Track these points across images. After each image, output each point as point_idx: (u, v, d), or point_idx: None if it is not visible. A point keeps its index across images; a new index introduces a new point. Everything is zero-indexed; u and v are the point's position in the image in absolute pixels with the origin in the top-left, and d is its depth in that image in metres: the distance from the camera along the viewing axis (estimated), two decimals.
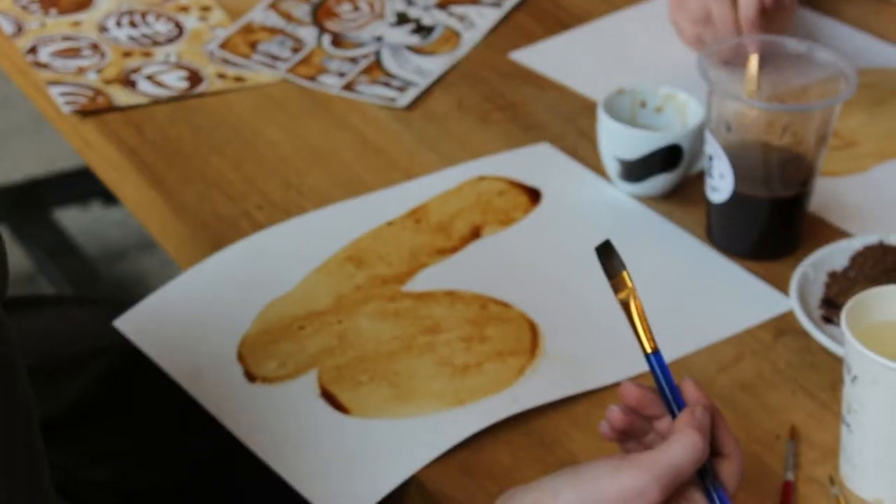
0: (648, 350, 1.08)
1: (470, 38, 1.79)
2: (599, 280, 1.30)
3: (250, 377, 1.30)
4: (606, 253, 1.13)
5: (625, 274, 1.13)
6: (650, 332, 1.09)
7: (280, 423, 1.27)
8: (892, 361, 1.11)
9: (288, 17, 1.82)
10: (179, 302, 1.40)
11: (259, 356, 1.32)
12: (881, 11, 1.89)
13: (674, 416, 1.06)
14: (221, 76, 1.73)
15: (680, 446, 1.01)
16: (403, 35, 1.79)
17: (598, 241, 1.36)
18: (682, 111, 1.54)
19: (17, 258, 3.20)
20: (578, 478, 1.03)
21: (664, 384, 1.08)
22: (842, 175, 1.55)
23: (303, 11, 1.84)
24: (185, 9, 1.90)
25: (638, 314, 1.11)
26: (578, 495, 1.02)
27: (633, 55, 1.79)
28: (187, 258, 1.51)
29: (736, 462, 1.06)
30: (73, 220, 3.39)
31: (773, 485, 1.19)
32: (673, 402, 1.07)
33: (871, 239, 1.40)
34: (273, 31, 1.80)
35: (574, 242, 1.44)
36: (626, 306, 1.12)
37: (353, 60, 1.75)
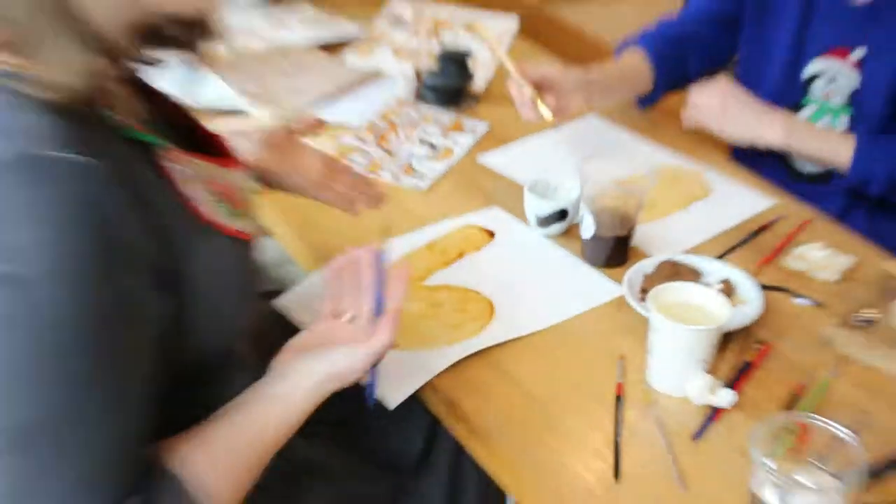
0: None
1: (459, 152, 1.76)
2: (528, 279, 1.43)
3: None
4: None
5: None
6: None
7: None
8: (666, 319, 1.19)
9: (363, 141, 1.78)
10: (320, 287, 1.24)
11: None
12: (658, 125, 1.87)
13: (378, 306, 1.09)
14: None
15: (381, 341, 1.03)
16: (423, 150, 1.75)
17: (527, 259, 1.48)
18: (570, 190, 1.54)
19: None
20: (326, 358, 1.03)
21: (378, 279, 1.10)
22: (646, 222, 1.53)
23: (370, 140, 1.78)
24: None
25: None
26: (326, 371, 1.02)
27: (545, 156, 1.76)
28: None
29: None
30: None
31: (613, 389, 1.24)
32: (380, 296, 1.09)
33: (665, 257, 1.43)
34: (355, 149, 1.76)
35: (513, 258, 1.49)
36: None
37: (398, 164, 1.72)
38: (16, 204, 0.77)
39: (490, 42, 1.67)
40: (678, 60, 1.85)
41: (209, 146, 1.08)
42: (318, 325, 1.14)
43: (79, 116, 0.84)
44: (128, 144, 0.90)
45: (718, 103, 1.59)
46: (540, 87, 1.61)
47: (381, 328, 1.05)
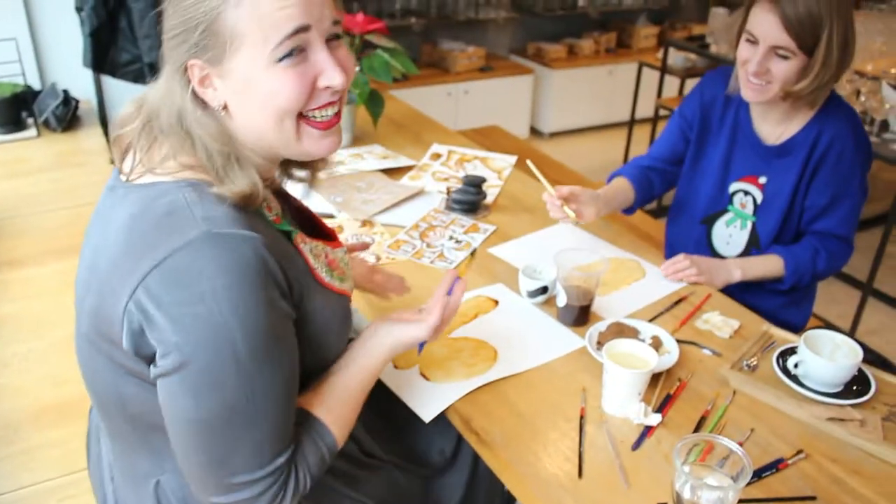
0: (460, 276, 1.13)
1: (475, 245, 1.70)
2: (521, 334, 1.37)
3: (395, 366, 1.29)
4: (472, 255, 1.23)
5: (469, 259, 1.22)
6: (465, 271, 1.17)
7: (406, 383, 1.25)
8: (614, 363, 1.17)
9: (410, 236, 1.73)
10: None
11: (401, 362, 1.31)
12: (613, 230, 1.82)
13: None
14: (392, 259, 1.64)
15: (432, 320, 1.06)
16: (451, 243, 1.70)
17: (520, 319, 1.42)
18: (549, 272, 1.52)
19: None
20: (398, 328, 1.06)
21: (446, 287, 1.09)
22: (601, 296, 1.52)
23: (416, 235, 1.74)
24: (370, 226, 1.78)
25: (466, 265, 1.19)
26: (397, 336, 1.06)
27: (533, 249, 1.70)
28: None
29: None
30: None
31: (578, 412, 1.22)
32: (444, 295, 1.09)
33: (613, 319, 1.41)
34: (406, 241, 1.71)
35: (511, 319, 1.44)
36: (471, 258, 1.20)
37: (434, 252, 1.67)
38: (205, 264, 0.79)
39: (534, 173, 1.64)
40: (648, 184, 1.87)
41: (322, 232, 1.10)
42: (398, 312, 1.13)
43: (244, 209, 0.87)
44: (273, 228, 0.93)
45: (695, 269, 1.60)
46: (565, 199, 1.61)
47: (432, 313, 1.06)
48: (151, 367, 0.84)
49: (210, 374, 0.81)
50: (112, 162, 0.96)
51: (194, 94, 0.88)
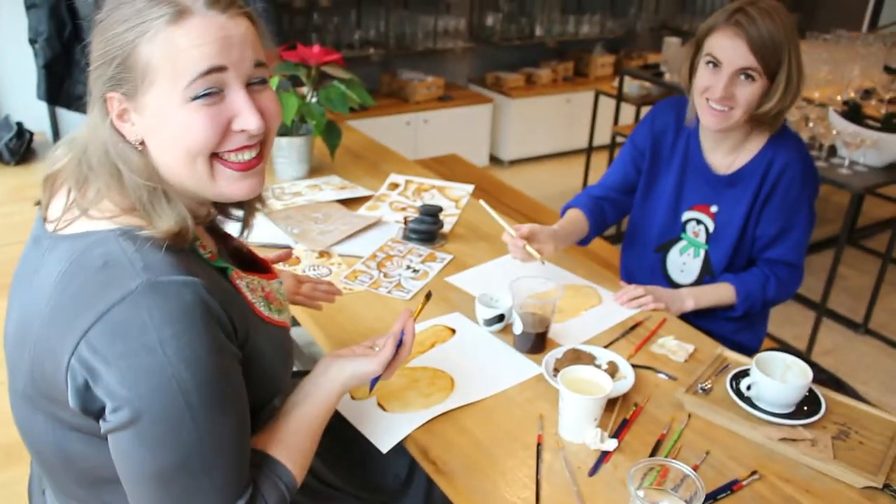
0: (414, 317, 1.15)
1: (432, 274, 1.71)
2: (478, 362, 1.37)
3: (352, 397, 1.29)
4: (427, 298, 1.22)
5: (424, 301, 1.21)
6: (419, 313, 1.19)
7: (364, 414, 1.25)
8: (570, 390, 1.18)
9: (368, 266, 1.73)
10: None
11: (358, 393, 1.30)
12: (570, 258, 1.82)
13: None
14: (349, 290, 1.62)
15: (384, 355, 1.08)
16: (408, 273, 1.71)
17: (477, 348, 1.43)
18: (505, 300, 1.51)
19: None
20: (352, 363, 1.06)
21: (401, 325, 1.12)
22: (557, 322, 1.53)
23: (373, 265, 1.73)
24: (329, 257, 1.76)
25: (419, 310, 1.20)
26: (352, 370, 1.05)
27: (489, 278, 1.70)
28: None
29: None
30: None
31: (535, 439, 1.22)
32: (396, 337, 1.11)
33: (569, 346, 1.43)
34: (363, 272, 1.70)
35: (468, 347, 1.45)
36: (426, 300, 1.22)
37: (391, 282, 1.67)
38: (149, 314, 0.78)
39: (489, 213, 1.66)
40: (601, 214, 1.88)
41: (258, 265, 1.10)
42: (351, 347, 1.13)
43: (179, 250, 0.86)
44: (209, 266, 0.92)
45: (651, 297, 1.62)
46: (527, 238, 1.60)
47: (385, 348, 1.08)
48: (101, 422, 0.82)
49: (163, 426, 0.79)
50: (37, 204, 0.93)
51: (115, 127, 0.87)
